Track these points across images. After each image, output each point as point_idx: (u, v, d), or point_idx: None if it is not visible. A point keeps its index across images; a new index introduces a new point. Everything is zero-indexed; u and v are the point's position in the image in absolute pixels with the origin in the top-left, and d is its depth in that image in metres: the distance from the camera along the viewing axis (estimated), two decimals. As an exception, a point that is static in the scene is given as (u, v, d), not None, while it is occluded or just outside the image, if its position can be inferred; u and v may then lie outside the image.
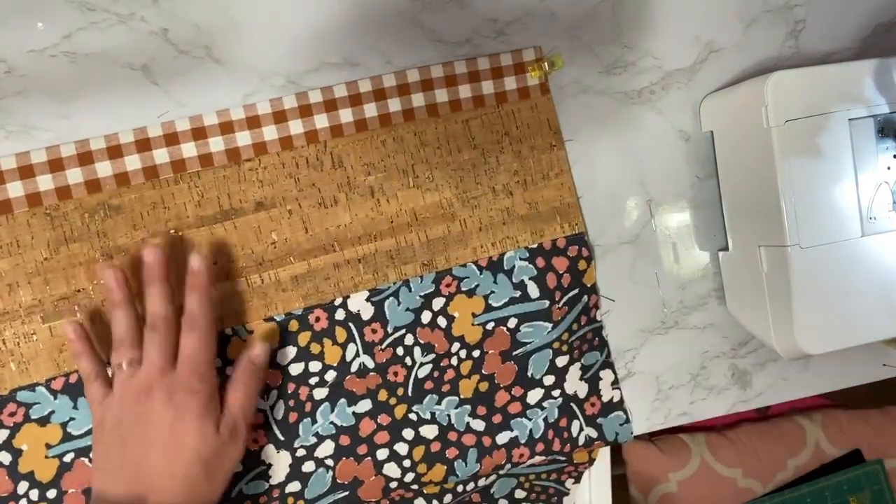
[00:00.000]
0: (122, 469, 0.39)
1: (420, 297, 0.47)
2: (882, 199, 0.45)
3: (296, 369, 0.46)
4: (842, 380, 0.58)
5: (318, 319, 0.46)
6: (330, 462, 0.46)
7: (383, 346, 0.47)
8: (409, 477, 0.47)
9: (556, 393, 0.50)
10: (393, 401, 0.47)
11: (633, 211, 0.52)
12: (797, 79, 0.44)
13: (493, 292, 0.48)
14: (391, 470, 0.47)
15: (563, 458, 0.51)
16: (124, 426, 0.39)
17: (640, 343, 0.53)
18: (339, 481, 0.46)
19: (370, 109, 0.46)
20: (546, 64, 0.48)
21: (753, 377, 0.56)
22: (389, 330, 0.47)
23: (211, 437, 0.39)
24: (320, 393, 0.46)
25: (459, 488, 0.51)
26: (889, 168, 0.45)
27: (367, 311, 0.46)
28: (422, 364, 0.47)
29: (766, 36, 0.52)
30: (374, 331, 0.46)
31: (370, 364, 0.46)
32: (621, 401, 0.52)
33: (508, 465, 0.49)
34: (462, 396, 0.48)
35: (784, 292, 0.45)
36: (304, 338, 0.45)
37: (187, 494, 0.38)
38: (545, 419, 0.49)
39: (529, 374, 0.49)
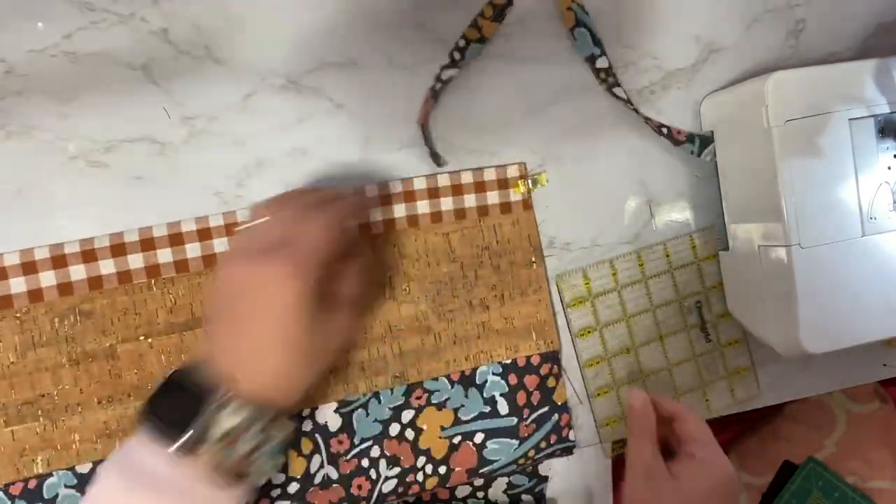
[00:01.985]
0: (228, 337, 0.36)
1: (389, 408, 0.47)
2: (882, 199, 0.45)
3: None
4: (842, 380, 0.58)
5: None
6: None
7: (348, 458, 0.46)
8: None
9: None
10: None
11: (633, 211, 0.52)
12: (797, 79, 0.44)
13: (462, 406, 0.48)
14: None
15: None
16: (229, 296, 0.37)
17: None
18: None
19: None
20: (529, 181, 0.49)
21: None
22: (356, 441, 0.46)
23: (301, 319, 0.36)
24: None
25: None
26: (889, 168, 0.45)
27: (334, 422, 0.46)
28: (387, 478, 0.46)
29: (766, 36, 0.52)
30: (340, 441, 0.46)
31: (334, 475, 0.45)
32: None
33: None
34: None
35: (784, 292, 0.45)
36: None
37: (289, 371, 0.36)
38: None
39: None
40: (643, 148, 0.52)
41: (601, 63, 0.48)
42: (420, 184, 0.47)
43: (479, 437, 0.48)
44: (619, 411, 0.53)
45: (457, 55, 0.47)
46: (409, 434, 0.47)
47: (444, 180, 0.48)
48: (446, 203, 0.48)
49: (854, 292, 0.45)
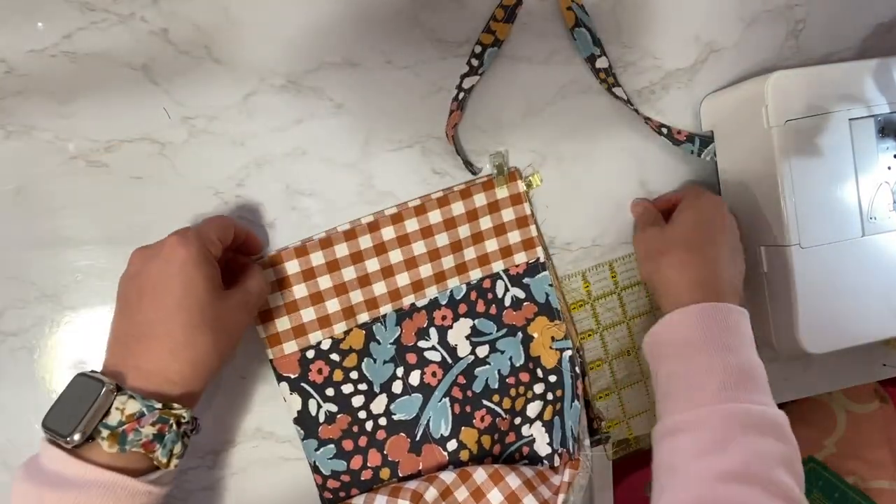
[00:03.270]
0: (122, 329, 0.37)
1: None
2: (882, 199, 0.45)
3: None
4: (842, 380, 0.58)
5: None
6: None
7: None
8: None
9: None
10: None
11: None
12: (797, 79, 0.44)
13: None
14: None
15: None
16: (124, 287, 0.38)
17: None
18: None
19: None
20: (524, 183, 0.49)
21: (754, 377, 0.55)
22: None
23: (205, 283, 0.37)
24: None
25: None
26: (889, 168, 0.45)
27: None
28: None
29: (766, 36, 0.52)
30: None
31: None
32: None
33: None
34: None
35: (785, 292, 0.45)
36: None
37: (186, 336, 0.36)
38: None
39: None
40: (643, 148, 0.51)
41: (601, 63, 0.48)
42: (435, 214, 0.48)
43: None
44: (620, 413, 0.53)
45: (475, 62, 0.47)
46: None
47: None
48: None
49: (854, 292, 0.45)
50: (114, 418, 0.34)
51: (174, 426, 0.35)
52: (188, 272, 0.36)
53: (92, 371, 0.36)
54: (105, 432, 0.34)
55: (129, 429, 0.34)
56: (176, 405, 0.36)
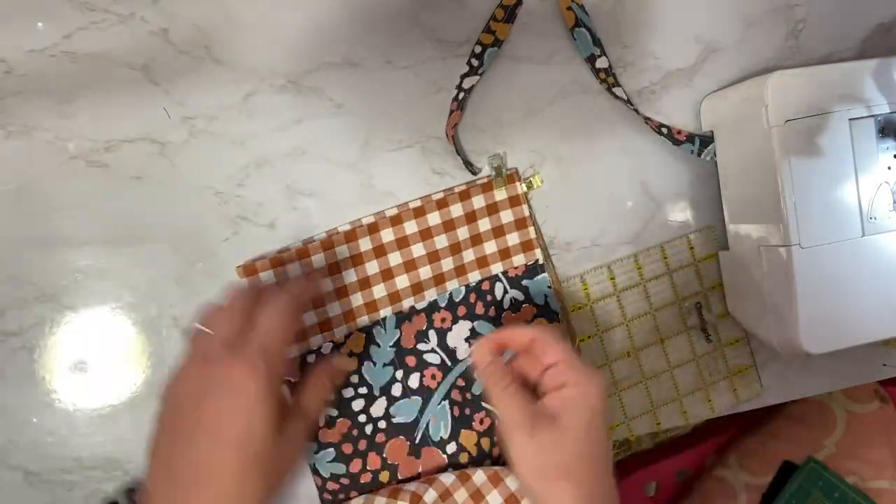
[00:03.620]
0: (171, 458, 0.33)
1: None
2: (882, 199, 0.45)
3: None
4: (842, 380, 0.58)
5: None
6: None
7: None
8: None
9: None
10: None
11: (633, 211, 0.52)
12: (797, 79, 0.44)
13: None
14: None
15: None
16: (179, 406, 0.34)
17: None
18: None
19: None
20: (524, 184, 0.49)
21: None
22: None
23: (267, 425, 0.33)
24: None
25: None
26: (889, 168, 0.45)
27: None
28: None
29: (766, 36, 0.52)
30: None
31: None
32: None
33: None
34: None
35: (785, 292, 0.45)
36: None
37: (237, 487, 0.32)
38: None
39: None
40: (643, 148, 0.51)
41: (601, 63, 0.48)
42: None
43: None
44: (621, 415, 0.53)
45: (475, 62, 0.47)
46: None
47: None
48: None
49: (854, 292, 0.45)
50: None
51: None
52: (253, 410, 0.33)
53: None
54: None
55: None
56: None
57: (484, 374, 0.40)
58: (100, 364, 0.46)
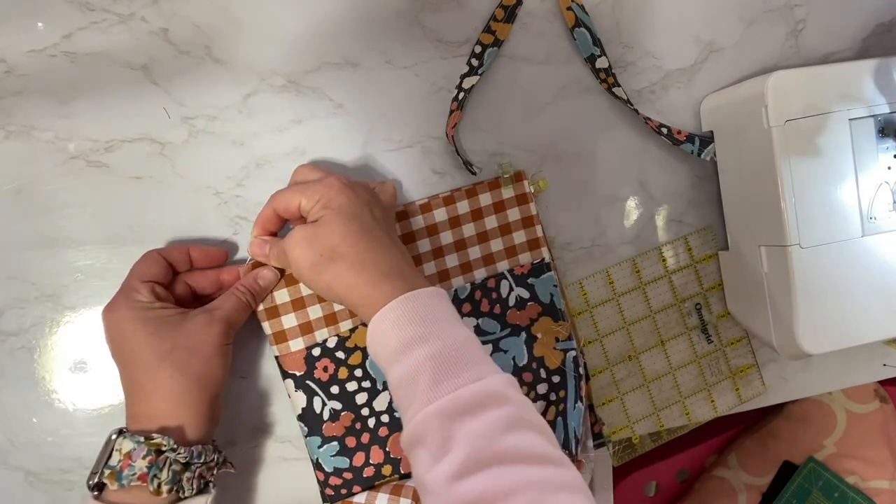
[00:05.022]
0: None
1: None
2: (882, 199, 0.45)
3: None
4: (842, 380, 0.58)
5: None
6: None
7: None
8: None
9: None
10: None
11: (633, 211, 0.52)
12: (797, 79, 0.44)
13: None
14: None
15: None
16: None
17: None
18: None
19: None
20: (531, 187, 0.49)
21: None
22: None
23: (155, 328, 0.40)
24: None
25: None
26: (889, 168, 0.45)
27: None
28: None
29: (766, 36, 0.52)
30: None
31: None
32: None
33: None
34: None
35: (784, 292, 0.45)
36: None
37: (152, 382, 0.39)
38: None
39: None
40: (643, 148, 0.51)
41: (601, 63, 0.48)
42: (441, 216, 0.48)
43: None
44: (624, 419, 0.53)
45: (475, 62, 0.47)
46: None
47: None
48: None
49: (854, 292, 0.45)
50: (114, 459, 0.38)
51: (155, 454, 0.38)
52: (123, 329, 0.40)
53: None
54: (107, 472, 0.38)
55: (123, 465, 0.38)
56: (156, 435, 0.38)
57: (266, 256, 0.44)
58: (100, 364, 0.46)
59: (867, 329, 0.46)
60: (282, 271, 0.45)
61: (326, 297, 0.41)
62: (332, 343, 0.46)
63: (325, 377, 0.46)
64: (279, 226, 0.43)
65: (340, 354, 0.47)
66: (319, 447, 0.47)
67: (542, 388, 0.50)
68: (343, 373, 0.47)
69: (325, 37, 0.46)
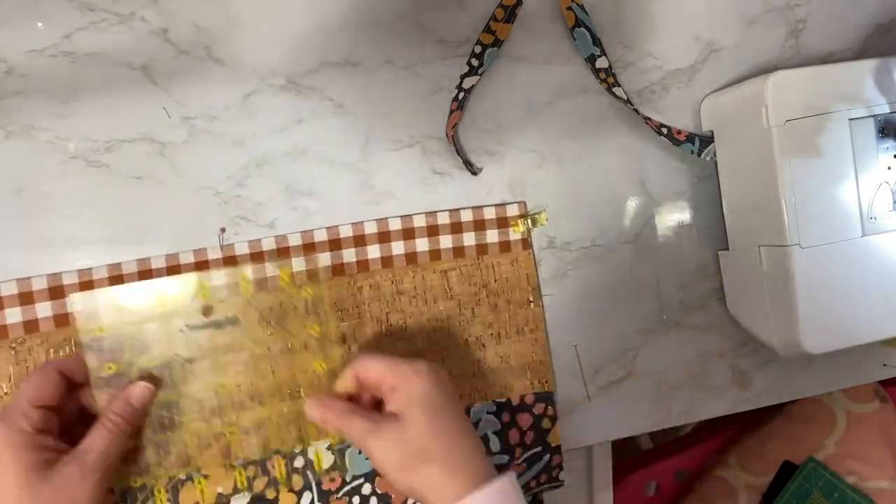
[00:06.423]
0: None
1: None
2: (882, 199, 0.45)
3: None
4: (842, 380, 0.58)
5: (275, 466, 0.45)
6: None
7: (339, 495, 0.46)
8: None
9: None
10: None
11: (633, 211, 0.52)
12: (797, 79, 0.44)
13: None
14: None
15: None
16: None
17: (641, 343, 0.53)
18: None
19: (349, 255, 0.46)
20: (529, 220, 0.49)
21: (753, 377, 0.55)
22: (347, 478, 0.46)
23: (30, 474, 0.36)
24: None
25: None
26: (889, 168, 0.45)
27: (327, 460, 0.46)
28: None
29: (766, 36, 0.52)
30: (332, 479, 0.46)
31: None
32: None
33: None
34: None
35: (784, 292, 0.45)
36: (259, 483, 0.45)
37: None
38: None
39: None
40: (643, 148, 0.51)
41: (601, 63, 0.48)
42: (420, 221, 0.47)
43: None
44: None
45: (475, 62, 0.47)
46: None
47: (443, 218, 0.48)
48: (445, 241, 0.48)
49: (854, 292, 0.45)
50: None
51: None
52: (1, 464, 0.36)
53: None
54: None
55: None
56: None
57: (326, 423, 0.41)
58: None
59: (867, 329, 0.46)
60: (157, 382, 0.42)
61: (404, 492, 0.40)
62: None
63: None
64: (355, 391, 0.42)
65: None
66: None
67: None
68: None
69: (325, 37, 0.46)
